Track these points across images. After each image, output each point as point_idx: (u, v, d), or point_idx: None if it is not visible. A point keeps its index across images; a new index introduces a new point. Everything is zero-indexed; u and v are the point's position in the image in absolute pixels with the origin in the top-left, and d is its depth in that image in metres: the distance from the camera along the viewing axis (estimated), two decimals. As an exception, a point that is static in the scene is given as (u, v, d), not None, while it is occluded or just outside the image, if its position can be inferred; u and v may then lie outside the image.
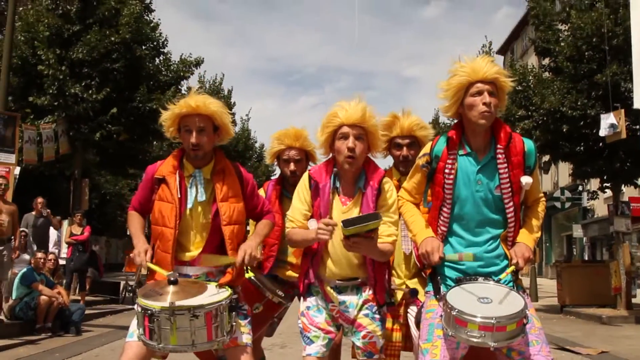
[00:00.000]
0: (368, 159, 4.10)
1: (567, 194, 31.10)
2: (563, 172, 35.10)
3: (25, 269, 11.53)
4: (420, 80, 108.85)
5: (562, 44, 16.91)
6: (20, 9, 18.05)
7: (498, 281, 3.65)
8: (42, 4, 18.45)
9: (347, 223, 3.59)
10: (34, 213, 14.23)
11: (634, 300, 16.89)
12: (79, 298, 14.91)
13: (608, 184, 18.02)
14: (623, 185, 18.29)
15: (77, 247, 15.64)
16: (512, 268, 3.63)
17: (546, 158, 19.50)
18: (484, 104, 3.59)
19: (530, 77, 18.42)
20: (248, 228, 4.49)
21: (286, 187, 5.03)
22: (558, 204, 30.28)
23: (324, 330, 3.98)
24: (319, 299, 4.01)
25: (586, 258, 33.32)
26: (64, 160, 18.66)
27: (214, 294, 3.79)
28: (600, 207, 31.52)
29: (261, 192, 5.05)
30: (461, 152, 3.73)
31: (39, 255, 11.89)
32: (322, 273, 3.99)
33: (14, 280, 11.33)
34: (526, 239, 3.73)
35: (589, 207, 34.71)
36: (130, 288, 18.62)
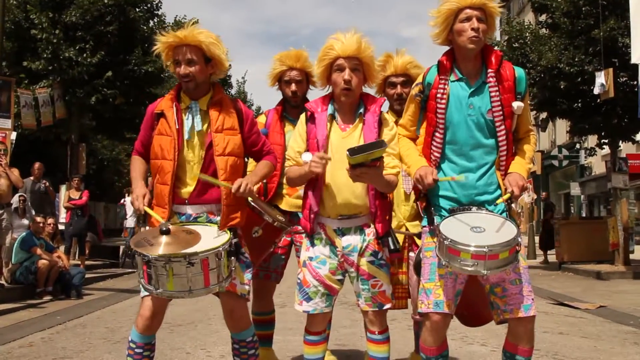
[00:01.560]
0: (365, 93, 4.11)
1: (565, 152, 31.24)
2: (560, 130, 35.08)
3: (24, 234, 11.55)
4: (418, 41, 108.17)
5: (559, -1, 16.75)
6: (12, -28, 17.83)
7: (492, 209, 3.71)
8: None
9: (352, 151, 3.57)
10: (31, 178, 14.19)
11: (631, 256, 16.97)
12: (79, 262, 14.97)
13: (605, 141, 18.00)
14: (621, 142, 18.28)
15: (76, 211, 15.66)
16: (507, 196, 3.67)
17: (544, 115, 19.43)
18: (473, 29, 3.67)
19: (527, 34, 18.27)
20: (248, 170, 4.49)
21: (287, 110, 5.07)
22: (556, 162, 30.41)
23: (325, 285, 3.95)
24: (322, 246, 3.98)
25: (584, 215, 33.47)
26: (60, 125, 18.58)
27: (213, 238, 3.77)
28: (597, 165, 31.56)
29: (262, 118, 5.06)
30: (452, 77, 3.80)
31: (38, 219, 11.90)
32: (324, 212, 3.96)
33: (13, 245, 11.36)
34: (519, 168, 3.78)
35: (587, 165, 34.77)
36: (130, 252, 18.65)
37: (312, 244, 4.02)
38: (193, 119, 3.99)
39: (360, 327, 4.24)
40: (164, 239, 3.61)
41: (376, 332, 4.02)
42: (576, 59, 16.07)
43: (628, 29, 14.00)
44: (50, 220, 12.26)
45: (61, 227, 16.01)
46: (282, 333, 5.30)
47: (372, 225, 3.96)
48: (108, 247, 19.35)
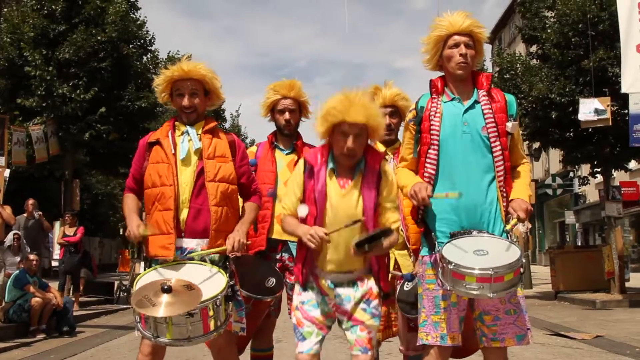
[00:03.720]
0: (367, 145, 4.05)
1: (559, 180, 31.24)
2: (554, 159, 35.18)
3: (17, 272, 11.48)
4: (411, 72, 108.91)
5: (549, 31, 16.91)
6: (5, 10, 17.94)
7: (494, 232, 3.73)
8: (27, 4, 18.36)
9: (359, 245, 3.60)
10: (25, 215, 14.15)
11: (627, 284, 16.92)
12: (73, 299, 14.85)
13: (598, 169, 18.07)
14: (613, 170, 18.34)
15: (69, 248, 15.56)
16: (514, 221, 3.70)
17: (536, 145, 19.52)
18: (461, 55, 3.80)
19: (518, 65, 18.43)
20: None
21: (278, 139, 5.08)
22: (550, 191, 30.42)
23: (318, 325, 3.92)
24: (314, 293, 3.96)
25: (579, 244, 33.46)
26: (54, 161, 18.59)
27: (210, 281, 3.76)
28: (591, 193, 31.63)
29: (253, 148, 5.09)
30: (445, 98, 3.87)
31: (31, 257, 11.83)
32: (317, 266, 3.94)
33: (7, 283, 11.28)
34: (521, 194, 3.81)
35: (581, 193, 34.84)
36: (124, 288, 18.56)
37: (304, 290, 4.00)
38: (191, 140, 4.07)
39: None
40: (165, 297, 3.58)
41: None
42: (567, 89, 16.21)
43: (617, 59, 14.16)
44: (32, 257, 12.02)
45: (55, 263, 15.91)
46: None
47: (365, 280, 3.94)
48: (102, 283, 19.20)
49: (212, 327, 3.70)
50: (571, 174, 33.02)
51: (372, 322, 3.93)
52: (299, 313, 3.98)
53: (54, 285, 13.05)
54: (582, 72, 15.95)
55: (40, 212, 14.53)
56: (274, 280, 4.58)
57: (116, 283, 18.90)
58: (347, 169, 3.94)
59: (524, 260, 3.54)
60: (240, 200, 4.37)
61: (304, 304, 3.97)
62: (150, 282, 3.74)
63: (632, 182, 24.91)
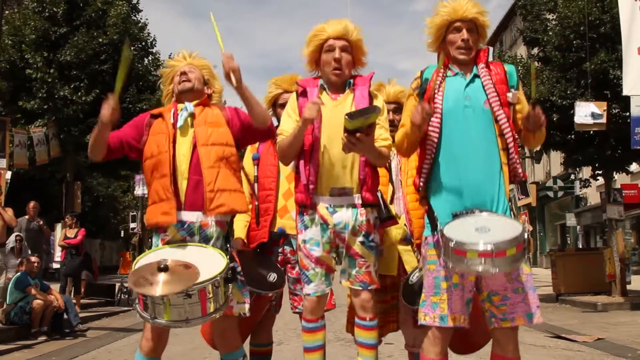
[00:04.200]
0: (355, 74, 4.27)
1: (560, 183, 31.30)
2: (555, 161, 35.20)
3: (19, 274, 11.49)
4: (412, 73, 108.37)
5: (550, 33, 16.91)
6: (7, 12, 17.97)
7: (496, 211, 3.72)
8: (29, 7, 18.38)
9: (350, 115, 3.68)
10: (26, 217, 14.17)
11: (628, 287, 16.90)
12: (74, 301, 14.85)
13: (600, 172, 18.06)
14: (615, 173, 18.32)
15: (70, 250, 15.57)
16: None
17: (537, 148, 19.52)
18: (462, 40, 3.84)
19: (520, 68, 18.43)
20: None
21: None
22: (551, 193, 30.50)
23: (322, 265, 4.04)
24: (314, 228, 4.05)
25: (580, 246, 33.43)
26: (55, 163, 18.60)
27: (210, 263, 3.76)
28: (592, 195, 31.61)
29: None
30: (449, 73, 3.91)
31: (32, 259, 11.84)
32: (317, 188, 4.03)
33: (8, 285, 11.30)
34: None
35: (582, 196, 34.83)
36: (125, 290, 18.58)
37: (305, 227, 4.09)
38: (187, 110, 4.15)
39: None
40: (162, 276, 3.59)
41: (367, 319, 4.08)
42: (568, 92, 16.21)
43: (619, 61, 14.16)
44: (33, 259, 12.04)
45: (56, 265, 15.91)
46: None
47: (364, 210, 4.04)
48: (103, 285, 19.21)
49: (210, 309, 3.68)
50: (572, 177, 33.03)
51: (370, 256, 4.06)
52: (301, 253, 4.11)
53: (54, 287, 13.04)
54: (583, 75, 15.94)
55: (41, 221, 14.52)
56: (275, 275, 4.60)
57: (117, 285, 18.91)
58: (337, 86, 4.17)
59: (526, 235, 3.53)
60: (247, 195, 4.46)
61: (306, 243, 4.08)
62: (147, 263, 3.77)
63: (634, 184, 24.88)
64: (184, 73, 4.25)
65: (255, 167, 4.92)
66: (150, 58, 20.53)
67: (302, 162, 4.08)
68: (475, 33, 3.89)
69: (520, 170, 3.82)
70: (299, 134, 3.98)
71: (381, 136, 4.05)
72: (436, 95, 3.83)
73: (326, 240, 4.05)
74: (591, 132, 15.90)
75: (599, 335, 10.16)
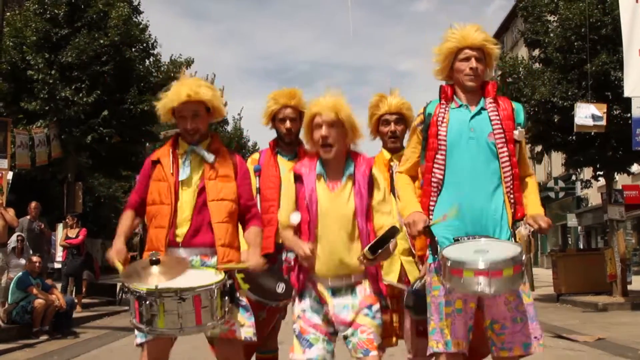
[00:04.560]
0: (355, 152, 4.09)
1: (561, 183, 31.28)
2: (556, 162, 35.19)
3: (20, 274, 11.52)
4: (414, 74, 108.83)
5: (551, 34, 16.94)
6: (8, 14, 17.98)
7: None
8: (30, 8, 18.39)
9: (372, 250, 3.64)
10: (28, 217, 14.19)
11: (629, 287, 16.92)
12: (76, 301, 14.87)
13: (601, 173, 18.07)
14: (616, 174, 18.33)
15: (72, 250, 15.60)
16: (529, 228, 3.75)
17: (538, 148, 19.53)
18: (471, 68, 3.84)
19: (521, 69, 18.43)
20: None
21: (280, 146, 5.11)
22: (552, 194, 30.43)
23: (323, 332, 3.90)
24: (312, 301, 3.95)
25: (581, 247, 33.43)
26: (56, 163, 18.60)
27: (206, 277, 3.78)
28: (594, 196, 31.62)
29: (256, 155, 5.11)
30: (453, 105, 3.91)
31: (34, 259, 11.87)
32: (314, 272, 3.92)
33: (9, 285, 11.32)
34: (539, 209, 3.87)
35: (583, 196, 34.85)
36: (126, 289, 18.56)
37: (302, 297, 3.99)
38: (197, 158, 4.10)
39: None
40: (154, 269, 3.62)
41: None
42: (569, 93, 16.23)
43: (620, 63, 14.19)
44: (35, 259, 12.03)
45: (58, 265, 15.92)
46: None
47: (363, 282, 3.93)
48: (105, 285, 19.24)
49: (205, 319, 3.68)
50: (573, 177, 33.02)
51: (372, 324, 3.89)
52: (301, 322, 3.95)
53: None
54: (584, 76, 15.95)
55: (42, 224, 14.53)
56: (284, 285, 4.59)
57: (119, 285, 18.94)
58: (336, 171, 3.98)
59: (524, 258, 3.54)
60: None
61: (305, 312, 3.95)
62: (139, 260, 3.82)
63: (635, 185, 24.92)
64: (183, 118, 4.10)
65: (257, 178, 4.93)
66: (151, 59, 20.53)
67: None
68: (483, 62, 3.91)
69: (513, 210, 3.82)
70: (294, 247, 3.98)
71: (385, 224, 3.84)
72: (440, 128, 3.84)
73: (324, 315, 3.93)
74: (592, 134, 15.90)
75: (599, 335, 10.17)
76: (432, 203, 3.86)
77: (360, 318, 3.88)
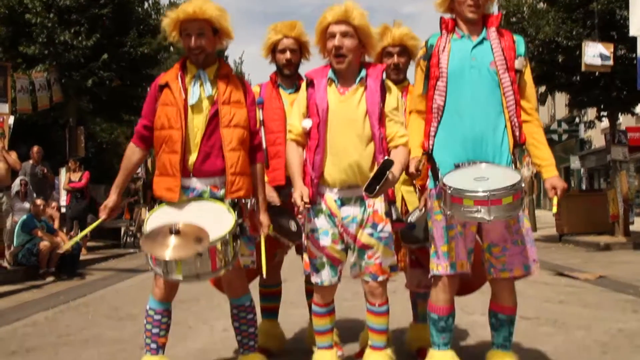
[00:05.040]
0: (369, 62, 4.14)
1: (564, 126, 31.20)
2: (560, 103, 34.98)
3: (25, 216, 11.58)
4: (417, 17, 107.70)
5: (557, -28, 16.67)
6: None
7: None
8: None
9: (369, 190, 3.67)
10: (31, 162, 14.19)
11: (631, 228, 17.01)
12: (81, 243, 14.98)
13: (605, 114, 17.99)
14: (620, 114, 18.23)
15: (75, 194, 15.66)
16: (555, 199, 3.80)
17: (542, 89, 19.41)
18: None
19: (525, 8, 18.21)
20: None
21: (280, 79, 5.04)
22: (555, 136, 30.38)
23: (328, 256, 3.97)
24: (322, 218, 3.99)
25: (584, 188, 33.47)
26: (57, 108, 18.54)
27: (218, 220, 3.80)
28: (597, 138, 31.53)
29: (256, 88, 4.98)
30: (455, 36, 3.90)
31: (38, 202, 11.92)
32: (324, 181, 3.98)
33: (15, 228, 11.39)
34: (552, 171, 3.90)
35: (586, 139, 34.74)
36: (130, 233, 18.75)
37: (312, 216, 4.03)
38: (202, 85, 4.03)
39: (362, 299, 4.26)
40: (173, 240, 3.63)
41: (376, 305, 4.06)
42: (574, 32, 16.03)
43: (626, 2, 13.96)
44: (54, 204, 12.10)
45: (62, 209, 16.00)
46: (283, 307, 5.33)
47: (372, 201, 3.95)
48: (109, 229, 19.37)
49: (219, 265, 3.78)
50: (577, 119, 32.88)
51: (380, 247, 3.96)
52: (309, 242, 4.04)
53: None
54: (589, 15, 15.75)
55: (44, 168, 14.51)
56: (295, 223, 4.58)
57: (123, 228, 19.09)
58: (348, 77, 4.02)
59: (523, 185, 3.56)
60: None
61: (313, 232, 4.02)
62: (159, 225, 3.77)
63: (639, 127, 24.80)
64: (188, 36, 4.01)
65: (260, 111, 4.82)
66: (150, 1, 20.31)
67: (307, 156, 4.04)
68: None
69: (517, 133, 3.82)
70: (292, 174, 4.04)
71: (397, 134, 4.00)
72: (441, 57, 3.83)
73: (335, 230, 3.98)
74: (597, 74, 15.77)
75: (601, 273, 10.24)
76: (432, 129, 3.87)
77: (365, 237, 3.95)
